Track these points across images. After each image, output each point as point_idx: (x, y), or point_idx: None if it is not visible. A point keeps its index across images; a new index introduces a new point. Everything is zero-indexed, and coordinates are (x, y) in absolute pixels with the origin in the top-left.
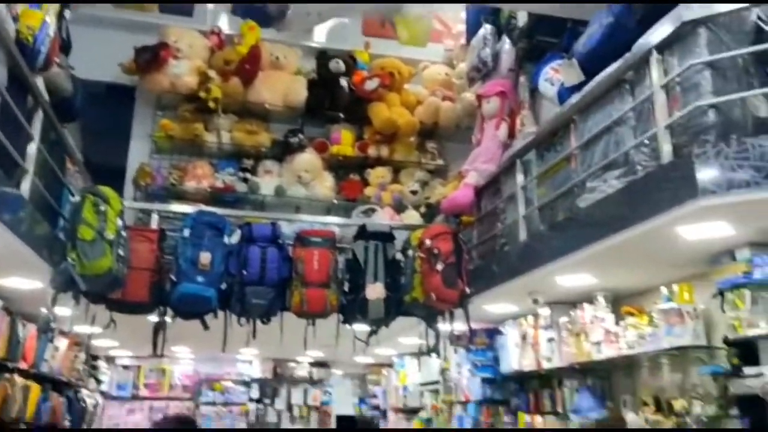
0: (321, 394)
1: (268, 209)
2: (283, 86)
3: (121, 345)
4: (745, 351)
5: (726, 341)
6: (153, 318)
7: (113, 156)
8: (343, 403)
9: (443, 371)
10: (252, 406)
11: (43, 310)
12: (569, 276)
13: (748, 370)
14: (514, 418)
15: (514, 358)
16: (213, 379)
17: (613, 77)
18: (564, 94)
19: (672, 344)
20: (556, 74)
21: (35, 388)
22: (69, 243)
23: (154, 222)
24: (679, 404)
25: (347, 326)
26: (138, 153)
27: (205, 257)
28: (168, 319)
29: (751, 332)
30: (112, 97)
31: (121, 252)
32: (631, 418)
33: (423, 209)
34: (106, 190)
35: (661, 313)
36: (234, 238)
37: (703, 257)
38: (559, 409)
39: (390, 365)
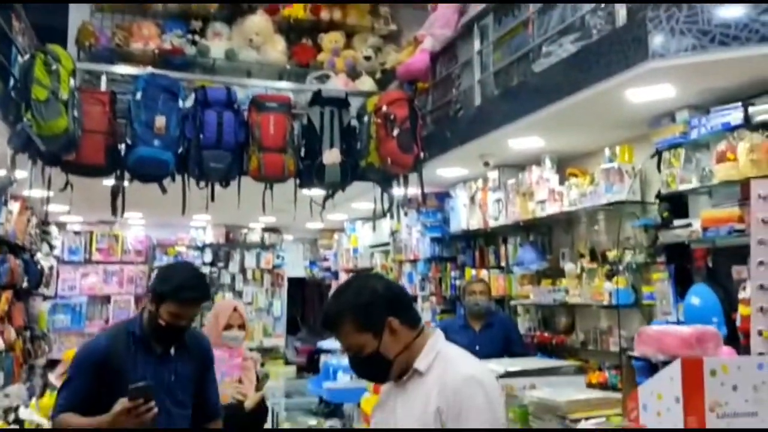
0: (273, 257)
1: (218, 73)
2: None
3: (72, 211)
4: (676, 205)
5: (659, 196)
6: (107, 182)
7: (51, 15)
8: (295, 265)
9: (394, 233)
10: (206, 269)
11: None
12: (520, 139)
13: (677, 221)
14: (460, 273)
15: (463, 218)
16: (166, 244)
17: None
18: None
19: (610, 200)
20: None
21: None
22: (23, 103)
23: (103, 84)
24: (612, 254)
25: (303, 191)
26: (78, 11)
27: (160, 121)
28: (126, 182)
29: (683, 187)
30: None
31: (75, 113)
32: (569, 268)
33: (379, 75)
34: (57, 49)
35: (602, 172)
36: (188, 102)
37: (645, 119)
38: (503, 264)
39: (341, 230)
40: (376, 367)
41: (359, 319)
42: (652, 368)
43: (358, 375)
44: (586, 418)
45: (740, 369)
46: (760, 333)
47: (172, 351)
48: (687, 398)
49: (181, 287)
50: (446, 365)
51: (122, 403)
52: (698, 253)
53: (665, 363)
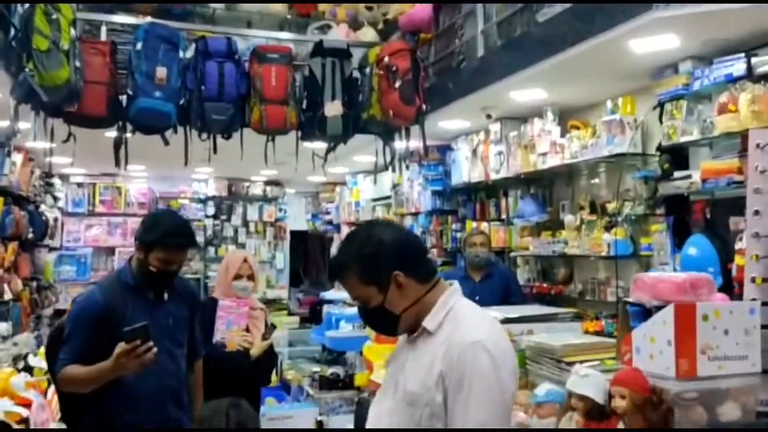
0: (276, 210)
1: (218, 23)
2: None
3: (75, 163)
4: (676, 157)
5: (660, 148)
6: (109, 134)
7: None
8: (297, 218)
9: (395, 186)
10: (209, 222)
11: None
12: (523, 91)
13: (677, 173)
14: (462, 226)
15: (464, 171)
16: (168, 197)
17: None
18: None
19: (611, 152)
20: None
21: None
22: (24, 53)
23: (103, 35)
24: (612, 206)
25: (305, 143)
26: None
27: (161, 71)
28: (128, 134)
29: (684, 139)
30: None
31: (77, 63)
32: (569, 220)
33: (381, 26)
34: None
35: (604, 124)
36: (188, 53)
37: (648, 71)
38: (504, 216)
39: (343, 183)
40: (383, 321)
41: (364, 271)
42: (646, 313)
43: (367, 325)
44: (581, 362)
45: (732, 314)
46: (753, 280)
47: (165, 296)
48: (679, 341)
49: (167, 234)
50: (457, 325)
51: (120, 346)
52: (697, 205)
53: (659, 308)
